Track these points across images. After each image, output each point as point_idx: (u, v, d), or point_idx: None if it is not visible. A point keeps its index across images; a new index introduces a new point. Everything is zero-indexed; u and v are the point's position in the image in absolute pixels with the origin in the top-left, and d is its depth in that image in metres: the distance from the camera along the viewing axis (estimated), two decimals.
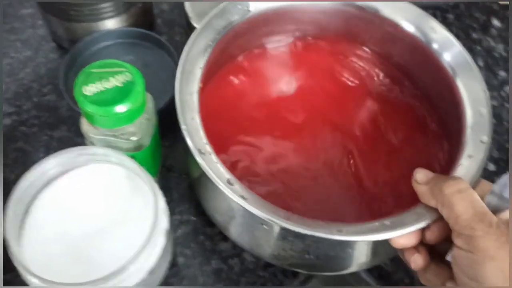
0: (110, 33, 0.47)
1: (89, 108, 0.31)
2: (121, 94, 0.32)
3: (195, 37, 0.37)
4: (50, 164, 0.33)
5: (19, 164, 0.43)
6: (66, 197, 0.34)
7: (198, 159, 0.31)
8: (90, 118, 0.33)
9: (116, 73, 0.33)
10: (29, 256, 0.32)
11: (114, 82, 0.32)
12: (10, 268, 0.37)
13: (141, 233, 0.32)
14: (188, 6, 0.47)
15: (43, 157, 0.44)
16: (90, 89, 0.32)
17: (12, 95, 0.47)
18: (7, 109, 0.46)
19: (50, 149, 0.44)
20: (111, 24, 0.48)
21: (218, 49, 0.38)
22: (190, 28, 0.49)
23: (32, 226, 0.33)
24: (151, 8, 0.51)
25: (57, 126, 0.46)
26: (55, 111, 0.46)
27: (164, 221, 0.32)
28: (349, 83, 0.44)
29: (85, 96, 0.32)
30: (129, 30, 0.48)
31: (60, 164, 0.34)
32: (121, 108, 0.32)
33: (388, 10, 0.40)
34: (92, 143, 0.36)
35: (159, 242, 0.32)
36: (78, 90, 0.32)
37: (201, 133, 0.33)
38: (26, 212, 0.33)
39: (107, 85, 0.32)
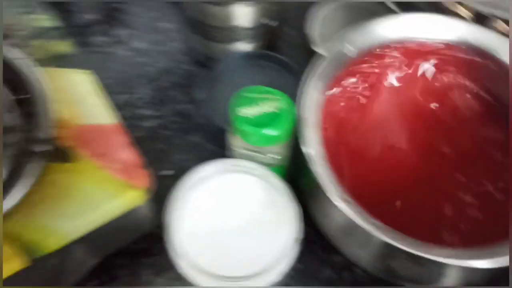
0: (243, 54, 0.52)
1: (246, 128, 0.37)
2: (275, 119, 0.37)
3: (316, 66, 0.42)
4: (206, 170, 0.39)
5: (160, 163, 0.49)
6: (212, 199, 0.39)
7: (315, 172, 0.36)
8: (243, 135, 0.38)
9: (268, 99, 0.38)
10: (179, 244, 0.38)
11: (269, 108, 0.37)
12: (155, 252, 0.43)
13: (276, 239, 0.37)
14: (310, 30, 0.52)
15: (179, 158, 0.51)
16: (247, 111, 0.37)
17: (152, 100, 0.54)
18: (148, 112, 0.53)
19: (185, 152, 0.50)
20: (243, 45, 0.53)
21: (337, 77, 0.43)
22: (311, 52, 0.54)
23: (181, 219, 0.39)
24: (279, 32, 0.56)
25: (191, 132, 0.52)
26: (190, 118, 0.52)
27: (299, 232, 0.37)
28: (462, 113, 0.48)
29: (243, 117, 0.37)
30: (260, 53, 0.52)
31: (212, 170, 0.39)
32: (273, 132, 0.37)
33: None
34: (234, 154, 0.41)
35: (295, 250, 0.37)
36: (234, 110, 0.37)
37: (320, 149, 0.38)
38: (178, 206, 0.39)
39: (264, 109, 0.37)
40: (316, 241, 0.45)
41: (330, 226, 0.42)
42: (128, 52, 0.57)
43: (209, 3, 0.47)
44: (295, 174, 0.44)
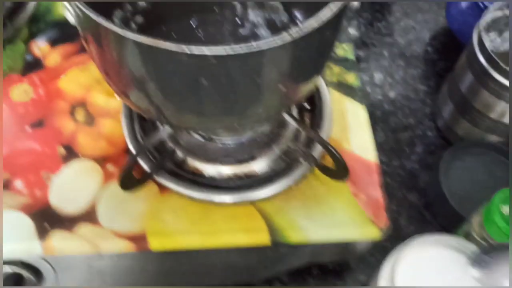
0: (488, 144, 0.55)
1: (500, 224, 0.39)
2: None
3: None
4: (436, 239, 0.42)
5: None
6: (427, 265, 0.42)
7: None
8: (492, 227, 0.40)
9: None
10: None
11: None
12: (344, 278, 0.47)
13: None
14: None
15: (392, 209, 0.54)
16: (506, 209, 0.40)
17: (387, 148, 0.58)
18: (381, 156, 0.57)
19: (399, 206, 0.54)
20: (489, 136, 0.55)
21: None
22: None
23: (398, 267, 0.42)
24: None
25: (411, 192, 0.55)
26: (415, 179, 0.56)
27: None
28: None
29: (502, 213, 0.39)
30: (506, 150, 0.54)
31: (442, 241, 0.42)
32: None
33: None
34: (466, 235, 0.44)
35: None
36: (495, 203, 0.40)
37: None
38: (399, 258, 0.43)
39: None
40: None
41: None
42: (379, 96, 0.62)
43: (491, 92, 0.50)
44: None
